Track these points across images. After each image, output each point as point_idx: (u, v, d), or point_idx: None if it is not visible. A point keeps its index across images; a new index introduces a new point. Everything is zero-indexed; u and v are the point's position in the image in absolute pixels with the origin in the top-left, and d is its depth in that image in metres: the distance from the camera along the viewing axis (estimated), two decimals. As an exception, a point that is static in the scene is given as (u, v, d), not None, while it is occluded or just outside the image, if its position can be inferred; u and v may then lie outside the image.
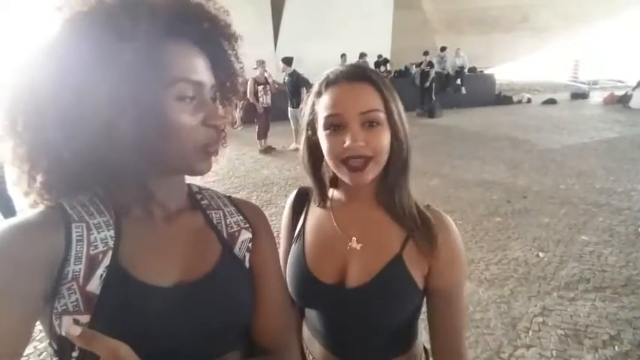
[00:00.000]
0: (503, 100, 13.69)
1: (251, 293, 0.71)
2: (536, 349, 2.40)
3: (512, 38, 16.99)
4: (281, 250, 1.01)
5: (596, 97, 14.21)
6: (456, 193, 5.16)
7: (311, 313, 0.95)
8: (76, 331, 0.44)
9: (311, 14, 12.39)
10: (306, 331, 0.99)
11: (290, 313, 0.79)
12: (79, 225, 0.59)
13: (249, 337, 0.73)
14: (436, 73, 12.11)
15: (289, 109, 7.95)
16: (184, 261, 0.66)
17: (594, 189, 5.19)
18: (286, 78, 7.97)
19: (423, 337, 0.99)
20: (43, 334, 0.60)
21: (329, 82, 0.84)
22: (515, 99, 13.95)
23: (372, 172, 0.82)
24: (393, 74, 12.44)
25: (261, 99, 7.70)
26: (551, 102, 13.49)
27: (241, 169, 6.55)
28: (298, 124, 7.77)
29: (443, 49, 12.95)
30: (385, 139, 0.81)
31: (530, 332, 2.54)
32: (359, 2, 12.75)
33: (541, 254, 3.55)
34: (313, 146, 0.88)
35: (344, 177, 0.82)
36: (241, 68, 0.73)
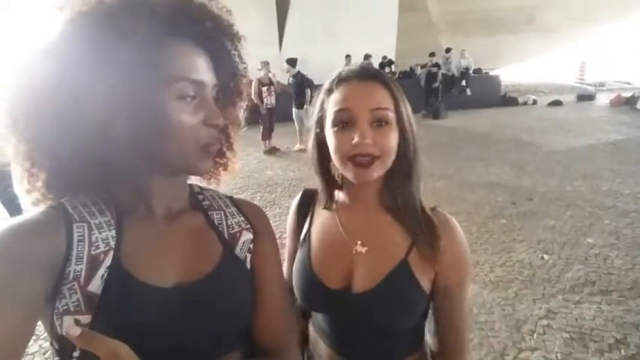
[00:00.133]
0: (508, 101, 13.63)
1: (252, 294, 0.71)
2: (541, 352, 2.38)
3: (518, 40, 16.91)
4: (287, 253, 1.01)
5: (603, 99, 14.09)
6: (460, 194, 5.14)
7: (317, 315, 0.95)
8: (76, 331, 0.45)
9: (316, 15, 12.41)
10: (312, 332, 0.99)
11: (291, 314, 0.78)
12: (81, 225, 0.59)
13: (250, 338, 0.73)
14: (442, 74, 12.08)
15: (294, 109, 7.98)
16: (185, 261, 0.66)
17: (600, 191, 5.15)
18: (290, 79, 8.00)
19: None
20: (47, 333, 0.61)
21: (340, 80, 0.84)
22: (520, 100, 13.87)
23: (377, 171, 0.81)
24: (397, 75, 12.42)
25: (265, 100, 7.72)
26: (557, 104, 13.41)
27: (245, 170, 6.55)
28: (303, 125, 7.77)
29: (448, 50, 12.91)
30: (393, 139, 0.81)
31: (535, 335, 2.52)
32: (364, 3, 12.74)
33: (546, 256, 3.52)
34: (321, 144, 0.88)
35: (349, 174, 0.82)
36: (245, 68, 0.73)
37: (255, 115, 7.74)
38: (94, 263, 0.57)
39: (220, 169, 0.78)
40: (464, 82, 12.94)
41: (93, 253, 0.58)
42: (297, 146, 8.02)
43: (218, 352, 0.66)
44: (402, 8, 13.76)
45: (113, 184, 0.64)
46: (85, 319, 0.55)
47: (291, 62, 7.93)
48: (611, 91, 15.64)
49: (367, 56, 10.94)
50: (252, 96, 7.39)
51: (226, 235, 0.71)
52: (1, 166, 3.48)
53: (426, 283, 0.85)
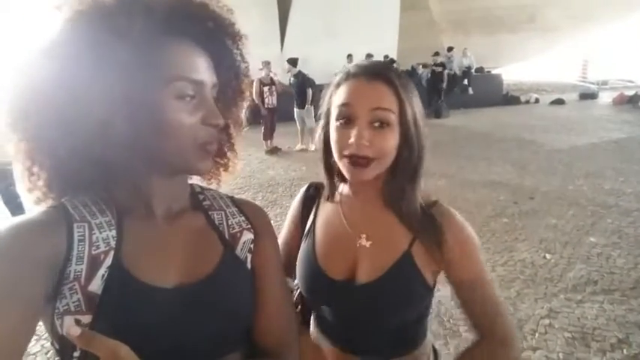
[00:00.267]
0: (510, 100, 13.59)
1: (252, 294, 0.71)
2: (543, 351, 2.37)
3: (519, 39, 16.86)
4: (281, 237, 1.01)
5: (606, 98, 14.04)
6: (462, 193, 5.14)
7: (320, 312, 0.95)
8: (76, 331, 0.45)
9: (318, 15, 12.38)
10: (314, 331, 0.99)
11: (292, 315, 0.78)
12: (81, 225, 0.59)
13: (251, 338, 0.73)
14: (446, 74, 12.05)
15: (295, 109, 7.97)
16: (186, 262, 0.66)
17: (603, 190, 5.14)
18: (292, 79, 8.00)
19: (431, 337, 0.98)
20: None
21: (348, 75, 0.85)
22: (522, 99, 13.84)
23: (372, 172, 0.82)
24: (399, 75, 12.37)
25: (266, 100, 7.72)
26: (559, 102, 13.37)
27: (247, 170, 6.55)
28: (304, 125, 7.75)
29: (450, 49, 12.88)
30: (391, 141, 0.81)
31: (537, 334, 2.52)
32: (365, 2, 12.70)
33: (548, 256, 3.52)
34: (327, 136, 0.89)
35: (345, 171, 0.83)
36: (247, 68, 0.73)
37: (256, 116, 7.75)
38: (94, 263, 0.57)
39: (221, 169, 0.78)
40: (466, 81, 12.91)
41: (93, 252, 0.58)
42: (299, 146, 8.02)
43: (218, 353, 0.65)
44: (404, 7, 13.73)
45: (113, 183, 0.64)
46: (86, 319, 0.55)
47: (292, 62, 7.93)
48: (613, 90, 15.59)
49: (369, 56, 10.91)
50: (254, 96, 7.39)
51: (227, 235, 0.71)
52: (3, 165, 3.50)
53: (429, 276, 0.86)
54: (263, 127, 7.83)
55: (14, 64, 0.57)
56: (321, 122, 0.91)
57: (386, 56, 12.11)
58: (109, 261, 0.58)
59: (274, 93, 7.82)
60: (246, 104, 0.77)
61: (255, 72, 7.23)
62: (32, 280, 0.53)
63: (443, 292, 1.06)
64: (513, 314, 2.72)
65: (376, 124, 0.80)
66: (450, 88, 12.33)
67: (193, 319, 0.62)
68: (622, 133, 8.52)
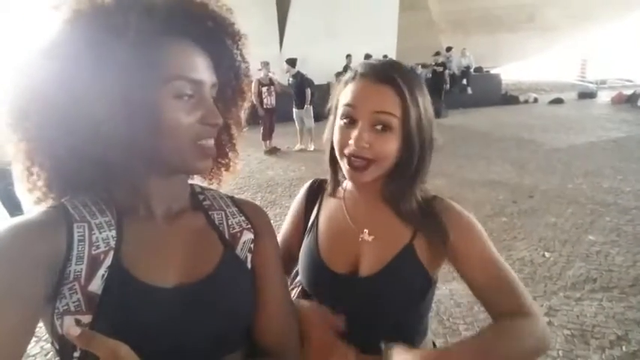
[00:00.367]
0: (509, 99, 13.57)
1: (253, 294, 0.71)
2: (543, 350, 2.37)
3: (519, 38, 16.85)
4: (282, 232, 1.03)
5: (604, 97, 14.04)
6: (461, 193, 5.13)
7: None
8: (76, 331, 0.45)
9: (317, 15, 12.36)
10: None
11: (292, 315, 0.78)
12: (81, 225, 0.59)
13: (251, 338, 0.73)
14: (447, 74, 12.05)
15: (294, 109, 7.97)
16: (186, 262, 0.66)
17: (601, 188, 5.15)
18: (290, 79, 8.00)
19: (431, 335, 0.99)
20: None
21: (357, 75, 0.85)
22: (521, 99, 13.82)
23: (371, 175, 0.83)
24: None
25: (265, 100, 7.71)
26: (558, 101, 13.36)
27: (246, 170, 6.55)
28: (303, 125, 7.71)
29: (449, 49, 12.86)
30: (392, 145, 0.81)
31: (537, 333, 2.52)
32: (364, 3, 12.68)
33: (547, 254, 3.52)
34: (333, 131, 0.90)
35: (345, 171, 0.85)
36: (247, 68, 0.72)
37: (255, 116, 7.74)
38: (94, 263, 0.57)
39: (222, 169, 0.78)
40: (465, 81, 12.90)
41: (93, 252, 0.58)
42: (298, 146, 8.02)
43: (219, 353, 0.65)
44: (403, 7, 13.72)
45: (113, 183, 0.64)
46: (86, 319, 0.55)
47: (291, 62, 7.93)
48: (612, 89, 15.59)
49: (368, 56, 10.91)
50: (253, 96, 7.35)
51: (227, 235, 0.71)
52: (2, 164, 3.49)
53: (431, 268, 0.87)
54: (262, 128, 7.82)
55: (14, 65, 0.57)
56: (330, 117, 0.91)
57: (385, 56, 12.04)
58: (108, 261, 0.58)
59: (273, 93, 7.80)
60: (247, 104, 0.77)
61: (255, 72, 7.22)
62: (32, 280, 0.53)
63: (442, 292, 1.07)
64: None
65: (378, 127, 0.80)
66: (449, 88, 12.33)
67: (193, 319, 0.62)
68: (620, 132, 8.53)
